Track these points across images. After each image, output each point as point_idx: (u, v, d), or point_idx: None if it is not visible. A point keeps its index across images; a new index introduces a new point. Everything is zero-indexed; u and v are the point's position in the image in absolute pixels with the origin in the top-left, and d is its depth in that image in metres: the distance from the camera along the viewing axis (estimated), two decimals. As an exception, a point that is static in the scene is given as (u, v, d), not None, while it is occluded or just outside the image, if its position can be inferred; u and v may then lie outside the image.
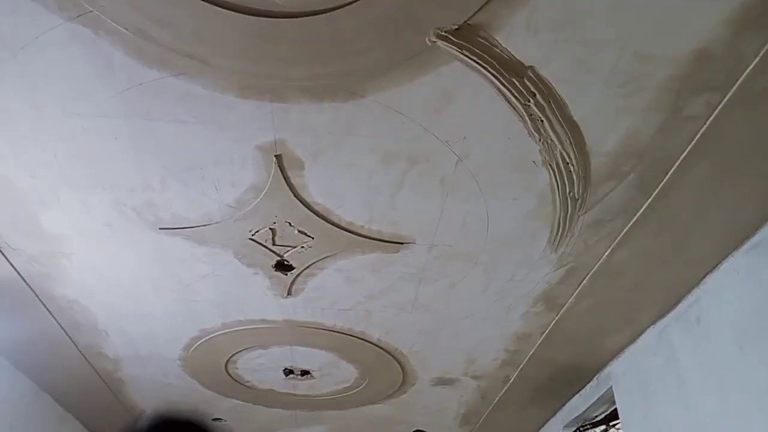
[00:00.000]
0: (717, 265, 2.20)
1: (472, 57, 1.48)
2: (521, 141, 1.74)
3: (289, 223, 2.15)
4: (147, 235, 2.21)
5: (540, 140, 1.73)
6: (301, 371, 3.44)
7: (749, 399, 2.02)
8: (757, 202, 1.90)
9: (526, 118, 1.66)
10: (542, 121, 1.66)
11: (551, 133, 1.69)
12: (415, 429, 4.05)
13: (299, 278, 2.49)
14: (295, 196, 2.01)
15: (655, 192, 1.88)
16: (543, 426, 3.94)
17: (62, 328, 2.86)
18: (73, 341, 2.99)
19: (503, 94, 1.59)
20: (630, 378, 2.86)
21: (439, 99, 1.63)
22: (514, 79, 1.54)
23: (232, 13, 1.40)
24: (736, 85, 1.50)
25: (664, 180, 1.83)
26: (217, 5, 1.39)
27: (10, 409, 3.21)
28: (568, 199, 1.94)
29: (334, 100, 1.64)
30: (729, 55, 1.43)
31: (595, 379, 3.21)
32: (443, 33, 1.44)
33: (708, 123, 1.62)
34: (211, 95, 1.63)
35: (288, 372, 3.44)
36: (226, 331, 2.93)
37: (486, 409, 3.76)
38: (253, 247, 2.28)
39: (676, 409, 2.46)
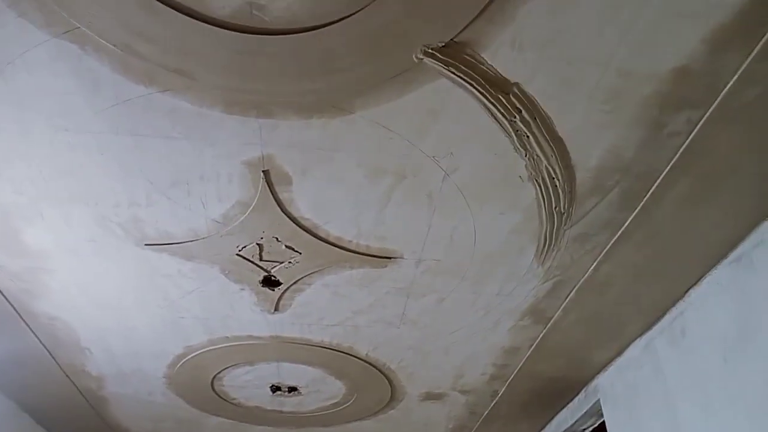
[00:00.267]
0: (701, 278, 2.23)
1: (458, 74, 1.50)
2: (507, 156, 1.76)
3: (277, 239, 2.14)
4: (132, 251, 2.19)
5: (526, 155, 1.75)
6: (289, 388, 3.40)
7: (734, 410, 2.04)
8: (738, 217, 1.93)
9: (512, 133, 1.68)
10: (528, 136, 1.68)
11: (537, 148, 1.71)
12: None
13: (286, 294, 2.48)
14: (283, 211, 2.00)
15: (639, 207, 1.91)
16: (532, 440, 3.93)
17: (44, 345, 2.80)
18: (54, 359, 2.94)
19: (489, 110, 1.61)
20: (617, 391, 2.87)
21: (426, 115, 1.64)
22: (500, 96, 1.56)
23: (220, 29, 1.41)
24: (716, 101, 1.54)
25: (647, 195, 1.86)
26: (204, 22, 1.40)
27: (-11, 430, 3.13)
28: (554, 213, 1.96)
29: (322, 116, 1.65)
30: (709, 73, 1.47)
31: (582, 392, 3.21)
32: (430, 50, 1.46)
33: (689, 139, 1.66)
34: (198, 111, 1.63)
35: (275, 389, 3.40)
36: (212, 347, 2.89)
37: (474, 423, 3.75)
38: (240, 262, 2.26)
39: (662, 421, 2.47)
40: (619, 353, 2.82)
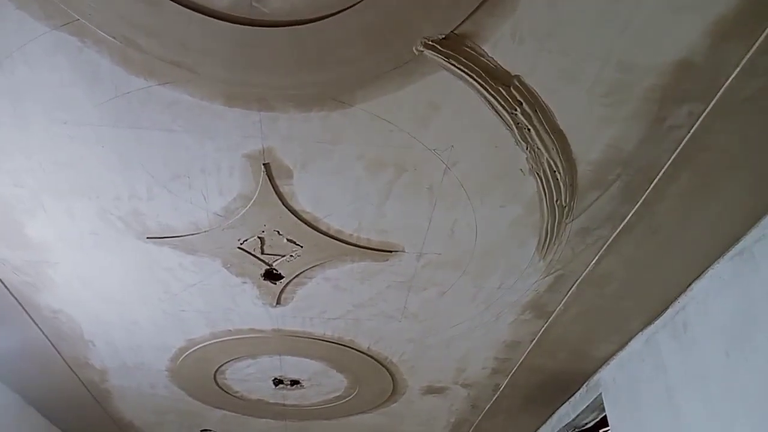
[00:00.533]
0: (702, 272, 2.22)
1: (458, 66, 1.50)
2: (508, 149, 1.75)
3: (278, 232, 2.14)
4: (134, 245, 2.19)
5: (527, 148, 1.74)
6: (291, 381, 3.42)
7: (736, 404, 2.04)
8: (740, 211, 1.92)
9: (513, 126, 1.67)
10: (529, 129, 1.67)
11: (538, 141, 1.71)
12: None
13: (288, 287, 2.48)
14: (284, 204, 2.00)
15: (641, 200, 1.90)
16: (533, 434, 3.94)
17: (47, 338, 2.82)
18: (58, 352, 2.96)
19: (490, 103, 1.60)
20: (619, 385, 2.87)
21: (427, 108, 1.64)
22: (500, 88, 1.56)
23: (220, 21, 1.41)
24: (718, 95, 1.53)
25: (649, 188, 1.85)
26: (204, 14, 1.39)
27: (-6, 422, 3.16)
28: (556, 206, 1.95)
29: (322, 109, 1.65)
30: (710, 66, 1.46)
31: (584, 386, 3.21)
32: (430, 43, 1.45)
33: (691, 132, 1.64)
34: (198, 104, 1.63)
35: (277, 382, 3.42)
36: (214, 341, 2.90)
37: (476, 417, 3.76)
38: (242, 256, 2.27)
39: (664, 415, 2.47)
40: (621, 347, 2.81)
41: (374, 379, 3.30)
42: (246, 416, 3.91)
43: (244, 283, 2.45)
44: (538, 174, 1.84)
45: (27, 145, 1.76)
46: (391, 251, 2.23)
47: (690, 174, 1.78)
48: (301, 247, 2.22)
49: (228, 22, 1.41)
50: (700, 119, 1.60)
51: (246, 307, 2.62)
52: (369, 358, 3.06)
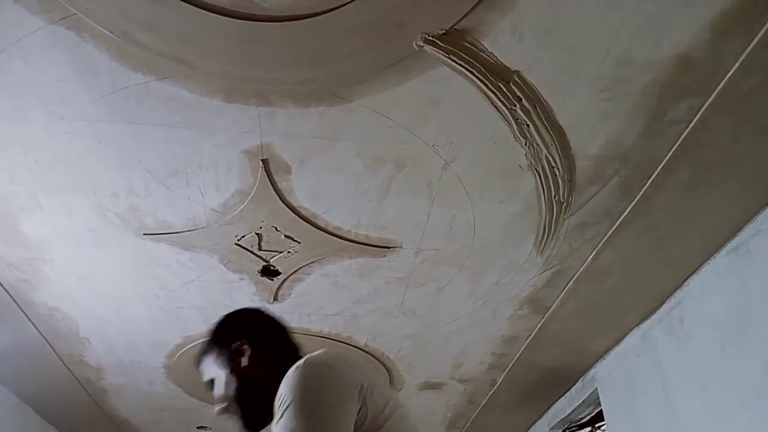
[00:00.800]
0: (699, 267, 2.24)
1: (458, 61, 1.49)
2: (507, 145, 1.76)
3: (276, 228, 2.14)
4: (131, 241, 2.18)
5: (526, 144, 1.75)
6: (288, 377, 3.41)
7: (732, 399, 2.05)
8: (737, 206, 1.93)
9: (512, 122, 1.67)
10: (528, 125, 1.67)
11: (537, 137, 1.71)
12: None
13: (286, 283, 2.48)
14: (282, 200, 2.00)
15: (639, 196, 1.91)
16: (529, 428, 3.96)
17: (43, 336, 2.80)
18: (54, 350, 2.94)
19: (489, 99, 1.60)
20: (615, 380, 2.89)
21: (426, 103, 1.64)
22: (500, 84, 1.56)
23: (219, 16, 1.40)
24: (717, 90, 1.53)
25: (647, 184, 1.86)
26: (203, 8, 1.38)
27: (-11, 420, 3.14)
28: (554, 202, 1.95)
29: (321, 105, 1.64)
30: (710, 61, 1.46)
31: (580, 381, 3.23)
32: (430, 38, 1.45)
33: (690, 128, 1.65)
34: (196, 99, 1.62)
35: (274, 378, 3.41)
36: (211, 337, 2.89)
37: (473, 412, 3.77)
38: (239, 252, 2.26)
39: (660, 410, 2.49)
40: (617, 342, 2.83)
41: (373, 376, 3.29)
42: (243, 413, 3.90)
43: (242, 279, 2.44)
44: (536, 170, 1.84)
45: (23, 140, 1.74)
46: (389, 247, 2.23)
47: (688, 169, 1.78)
48: (299, 243, 2.22)
49: (227, 17, 1.40)
50: (699, 114, 1.60)
51: (243, 303, 2.61)
52: (366, 354, 3.06)
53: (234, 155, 1.81)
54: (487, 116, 1.66)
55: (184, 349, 2.98)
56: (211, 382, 1.15)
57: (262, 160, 1.83)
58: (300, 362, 0.98)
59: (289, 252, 2.27)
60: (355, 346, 3.00)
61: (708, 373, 2.19)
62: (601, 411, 3.05)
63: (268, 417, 0.99)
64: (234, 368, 1.11)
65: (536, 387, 3.35)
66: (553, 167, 1.81)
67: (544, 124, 1.66)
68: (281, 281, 2.46)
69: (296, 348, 1.16)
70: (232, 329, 1.16)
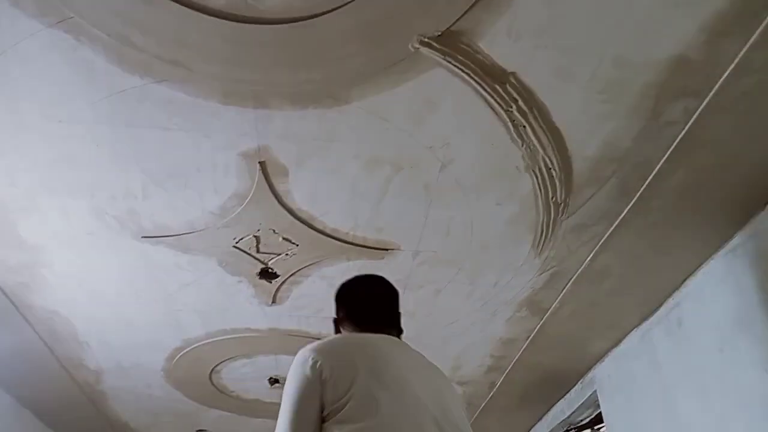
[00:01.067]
0: (697, 269, 2.24)
1: (455, 63, 1.50)
2: (504, 147, 1.76)
3: (274, 231, 2.14)
4: (129, 244, 2.18)
5: (523, 146, 1.75)
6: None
7: (730, 400, 2.05)
8: (734, 207, 1.93)
9: (509, 123, 1.68)
10: (525, 126, 1.68)
11: (533, 138, 1.71)
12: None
13: (284, 286, 2.48)
14: (280, 203, 2.00)
15: (636, 197, 1.91)
16: (529, 431, 3.95)
17: (42, 339, 2.80)
18: (53, 353, 2.94)
19: (486, 100, 1.61)
20: (614, 381, 2.89)
21: (423, 105, 1.64)
22: (496, 85, 1.56)
23: (216, 19, 1.40)
24: (713, 90, 1.53)
25: (644, 185, 1.86)
26: (200, 11, 1.39)
27: (-12, 424, 3.13)
28: (551, 204, 1.96)
29: (318, 107, 1.65)
30: (706, 62, 1.47)
31: (579, 383, 3.23)
32: (426, 39, 1.45)
33: (686, 128, 1.65)
34: (194, 102, 1.62)
35: (273, 381, 3.41)
36: (210, 340, 2.89)
37: (472, 415, 3.76)
38: (237, 254, 2.26)
39: (659, 412, 2.48)
40: (616, 344, 2.83)
41: (370, 377, 3.29)
42: (242, 416, 3.90)
43: (240, 282, 2.44)
44: (533, 171, 1.84)
45: (21, 143, 1.75)
46: (387, 249, 2.23)
47: (685, 170, 1.79)
48: (297, 245, 2.22)
49: (224, 19, 1.40)
50: (696, 115, 1.61)
51: (242, 306, 2.62)
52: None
53: (231, 158, 1.82)
54: (484, 118, 1.67)
55: (183, 351, 2.98)
56: None
57: (259, 162, 1.84)
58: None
59: (287, 254, 2.27)
60: (354, 349, 3.00)
61: (706, 374, 2.18)
62: (600, 413, 3.05)
63: None
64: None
65: (535, 389, 3.34)
66: (550, 169, 1.81)
67: (541, 126, 1.67)
68: (280, 283, 2.46)
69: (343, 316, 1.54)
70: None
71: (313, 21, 1.41)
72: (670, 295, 2.41)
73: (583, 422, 3.39)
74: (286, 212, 2.04)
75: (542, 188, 1.90)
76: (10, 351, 2.88)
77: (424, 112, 1.66)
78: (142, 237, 2.15)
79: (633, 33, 1.40)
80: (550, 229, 2.08)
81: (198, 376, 3.28)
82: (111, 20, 1.40)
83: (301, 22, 1.42)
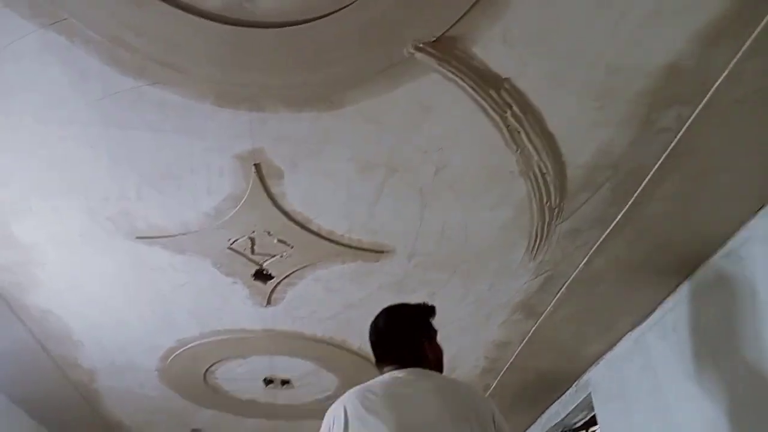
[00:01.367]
0: (691, 273, 2.24)
1: (449, 69, 1.50)
2: (498, 151, 1.76)
3: (268, 233, 2.14)
4: (123, 245, 2.18)
5: (517, 151, 1.75)
6: (282, 381, 3.41)
7: (724, 404, 2.05)
8: (727, 213, 1.94)
9: (504, 129, 1.68)
10: (519, 132, 1.68)
11: (528, 143, 1.71)
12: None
13: (279, 287, 2.47)
14: (275, 205, 2.00)
15: (629, 202, 1.91)
16: (523, 433, 3.96)
17: (36, 338, 2.80)
18: (47, 352, 2.93)
19: (480, 106, 1.61)
20: (608, 385, 2.89)
21: (417, 109, 1.64)
22: (491, 91, 1.56)
23: (210, 22, 1.40)
24: (706, 98, 1.54)
25: (638, 191, 1.86)
26: (194, 14, 1.39)
27: (-19, 423, 3.13)
28: (545, 208, 1.96)
29: (313, 110, 1.65)
30: (699, 69, 1.47)
31: (573, 386, 3.23)
32: (421, 45, 1.45)
33: (679, 136, 1.66)
34: (187, 104, 1.62)
35: (268, 381, 3.41)
36: (204, 341, 2.89)
37: (467, 417, 3.77)
38: (232, 256, 2.26)
39: (652, 415, 2.49)
40: (610, 347, 2.83)
41: (365, 379, 3.26)
42: (237, 416, 3.90)
43: (235, 283, 2.44)
44: (528, 176, 1.85)
45: (15, 144, 1.74)
46: (382, 252, 2.23)
47: (678, 176, 1.79)
48: (292, 247, 2.22)
49: (218, 22, 1.40)
50: (689, 122, 1.61)
51: (236, 307, 2.62)
52: (360, 358, 3.06)
53: (226, 160, 1.82)
54: (478, 123, 1.67)
55: (177, 352, 2.98)
56: None
57: (254, 164, 1.83)
58: None
59: (282, 256, 2.27)
60: (349, 350, 3.00)
61: (700, 378, 2.19)
62: (594, 416, 3.06)
63: None
64: None
65: (529, 392, 3.35)
66: (545, 174, 1.81)
67: (535, 132, 1.67)
68: (274, 285, 2.45)
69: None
70: None
71: (308, 25, 1.41)
72: (664, 299, 2.41)
73: (577, 425, 3.40)
74: (281, 214, 2.04)
75: (537, 193, 1.90)
76: (4, 350, 2.87)
77: (418, 117, 1.66)
78: (137, 238, 2.15)
79: (626, 41, 1.41)
80: (545, 234, 2.09)
81: (192, 376, 3.28)
82: (105, 21, 1.40)
83: (296, 26, 1.41)
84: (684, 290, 2.30)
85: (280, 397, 3.62)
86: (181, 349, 2.96)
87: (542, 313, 2.60)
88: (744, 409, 1.96)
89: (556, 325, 2.67)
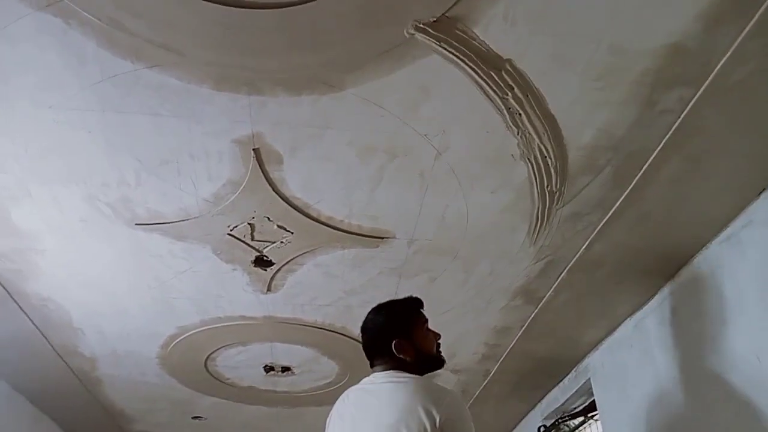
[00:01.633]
0: (691, 258, 2.24)
1: (450, 50, 1.48)
2: (499, 134, 1.75)
3: (268, 218, 2.13)
4: (122, 231, 2.17)
5: (518, 134, 1.74)
6: (282, 368, 3.42)
7: (722, 389, 2.06)
8: (728, 196, 1.93)
9: (504, 111, 1.67)
10: (520, 114, 1.67)
11: (529, 126, 1.70)
12: None
13: (279, 274, 2.47)
14: (274, 190, 1.99)
15: (631, 186, 1.90)
16: (523, 419, 3.99)
17: (36, 326, 2.80)
18: (47, 340, 2.94)
19: (481, 87, 1.60)
20: (607, 370, 2.91)
21: (418, 92, 1.63)
22: (492, 72, 1.55)
23: (208, 3, 1.38)
24: (709, 79, 1.52)
25: (639, 174, 1.85)
26: (192, -5, 1.37)
27: (-18, 410, 3.14)
28: (546, 192, 1.95)
29: (312, 93, 1.63)
30: (702, 50, 1.46)
31: (573, 371, 3.25)
32: (421, 25, 1.43)
33: (681, 117, 1.64)
34: (186, 87, 1.60)
35: (268, 369, 3.42)
36: (204, 328, 2.90)
37: (466, 403, 3.78)
38: (232, 242, 2.26)
39: (651, 400, 2.50)
40: (610, 333, 2.84)
41: (365, 365, 3.30)
42: (237, 403, 3.92)
43: (234, 269, 2.44)
44: (529, 159, 1.84)
45: (11, 129, 1.73)
46: (382, 237, 2.23)
47: (679, 159, 1.78)
48: (292, 233, 2.21)
49: (217, 4, 1.38)
50: (691, 104, 1.60)
51: (236, 293, 2.62)
52: (360, 344, 3.07)
53: (225, 144, 1.80)
54: (479, 105, 1.66)
55: (178, 339, 2.99)
56: None
57: (253, 149, 1.82)
58: None
59: (281, 242, 2.27)
60: (349, 337, 3.01)
61: (699, 363, 2.20)
62: (593, 401, 3.08)
63: None
64: None
65: (529, 377, 3.36)
66: (546, 157, 1.81)
67: (537, 114, 1.66)
68: (274, 271, 2.45)
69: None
70: None
71: (307, 6, 1.39)
72: (663, 284, 2.42)
73: (577, 410, 3.42)
74: (280, 200, 2.03)
75: (537, 177, 1.90)
76: (4, 337, 2.88)
77: (418, 99, 1.65)
78: (136, 224, 2.14)
79: (630, 20, 1.39)
80: (545, 218, 2.08)
81: (193, 363, 3.29)
82: (102, 4, 1.38)
83: (295, 7, 1.40)
84: (684, 275, 2.31)
85: (281, 384, 3.64)
86: (182, 337, 2.96)
87: (542, 298, 2.60)
88: (743, 394, 1.97)
89: (556, 310, 2.67)
